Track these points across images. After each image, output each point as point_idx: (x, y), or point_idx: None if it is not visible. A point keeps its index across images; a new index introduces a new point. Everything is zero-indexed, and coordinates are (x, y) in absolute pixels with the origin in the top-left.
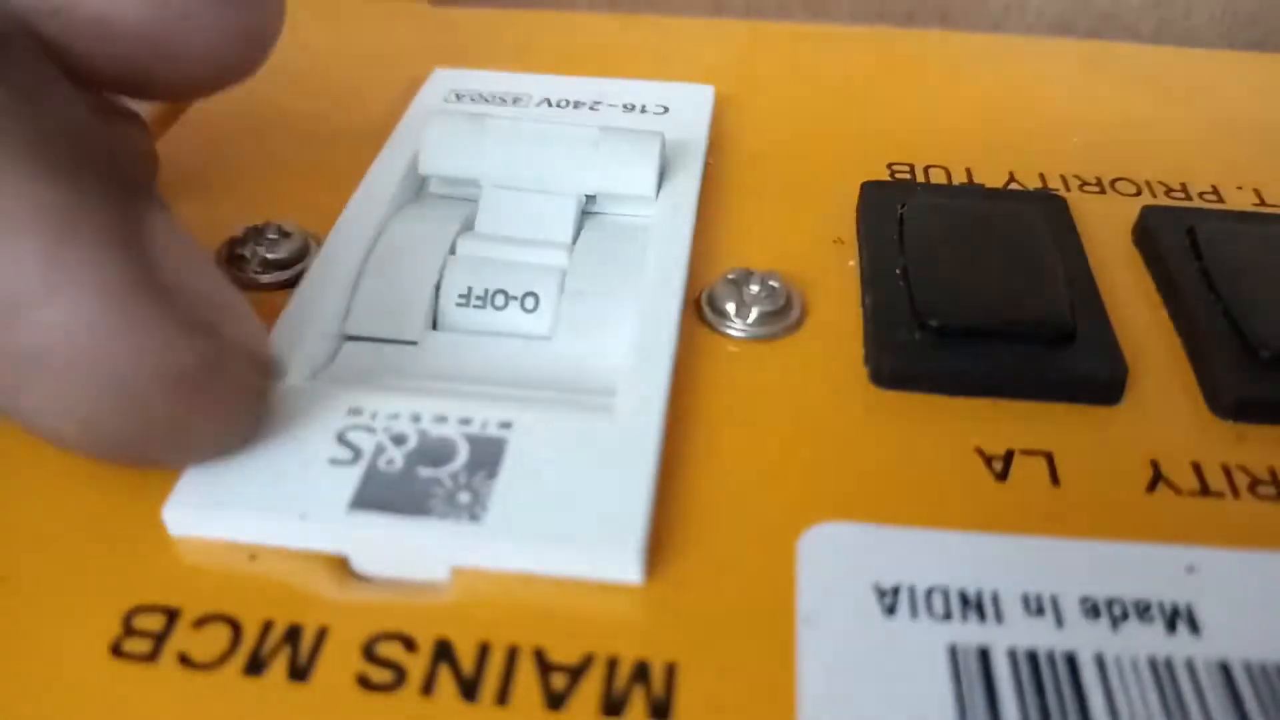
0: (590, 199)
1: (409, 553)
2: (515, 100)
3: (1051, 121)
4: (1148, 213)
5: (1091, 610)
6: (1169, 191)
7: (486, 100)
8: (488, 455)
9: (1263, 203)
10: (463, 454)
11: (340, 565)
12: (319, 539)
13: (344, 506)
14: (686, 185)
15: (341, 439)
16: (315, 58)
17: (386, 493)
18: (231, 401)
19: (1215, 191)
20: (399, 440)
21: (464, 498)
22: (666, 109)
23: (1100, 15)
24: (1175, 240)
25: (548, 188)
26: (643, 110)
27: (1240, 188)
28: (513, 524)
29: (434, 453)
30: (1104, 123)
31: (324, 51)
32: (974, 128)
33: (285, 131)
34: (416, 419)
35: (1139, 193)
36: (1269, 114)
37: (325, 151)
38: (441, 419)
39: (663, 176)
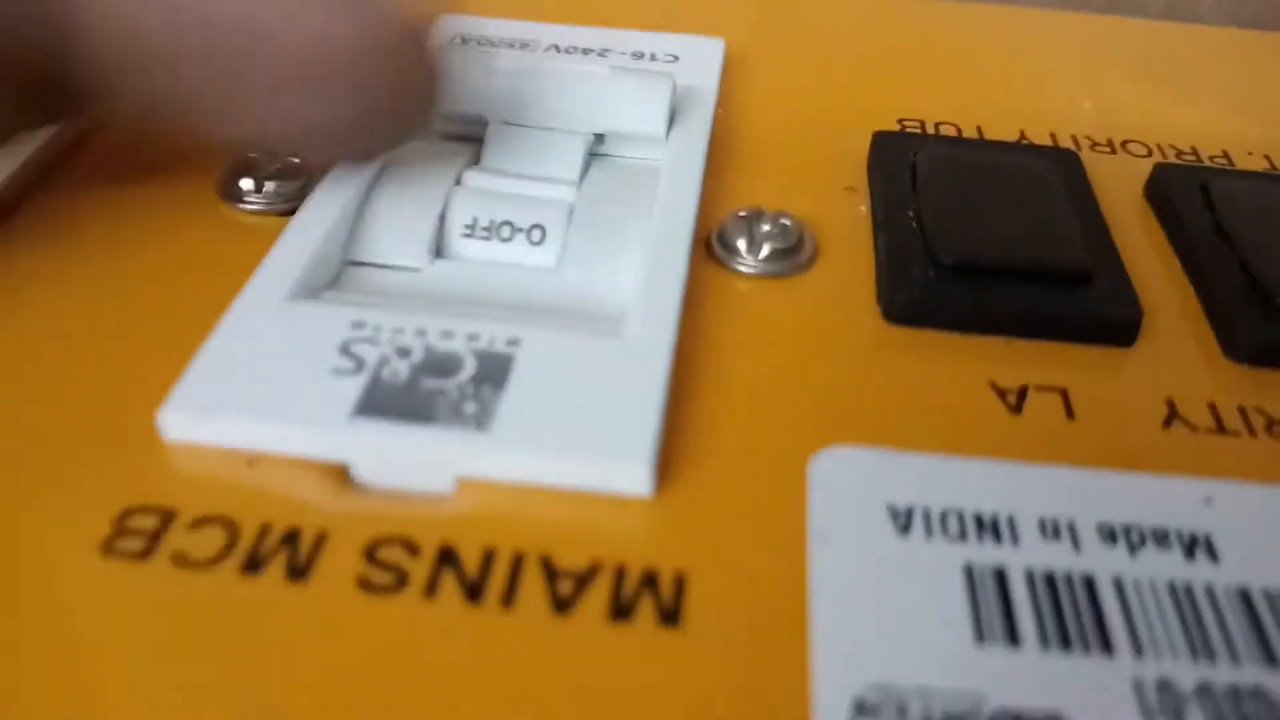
0: (599, 140)
1: (413, 461)
2: (523, 46)
3: (1062, 86)
4: (1160, 169)
5: (1109, 535)
6: (1179, 154)
7: (494, 45)
8: (495, 369)
9: (1273, 167)
10: (469, 367)
11: (341, 473)
12: (320, 446)
13: (346, 414)
14: (697, 129)
15: (345, 350)
16: None
17: (390, 401)
18: (423, 74)
19: (1226, 156)
20: (404, 352)
21: (470, 408)
22: (676, 58)
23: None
24: (1189, 195)
25: (556, 125)
26: (652, 58)
27: (1250, 153)
28: (520, 433)
29: (440, 365)
30: (1116, 91)
31: None
32: (985, 90)
33: None
34: (422, 333)
35: (1150, 154)
36: (1277, 91)
37: None
38: (448, 334)
39: (673, 121)
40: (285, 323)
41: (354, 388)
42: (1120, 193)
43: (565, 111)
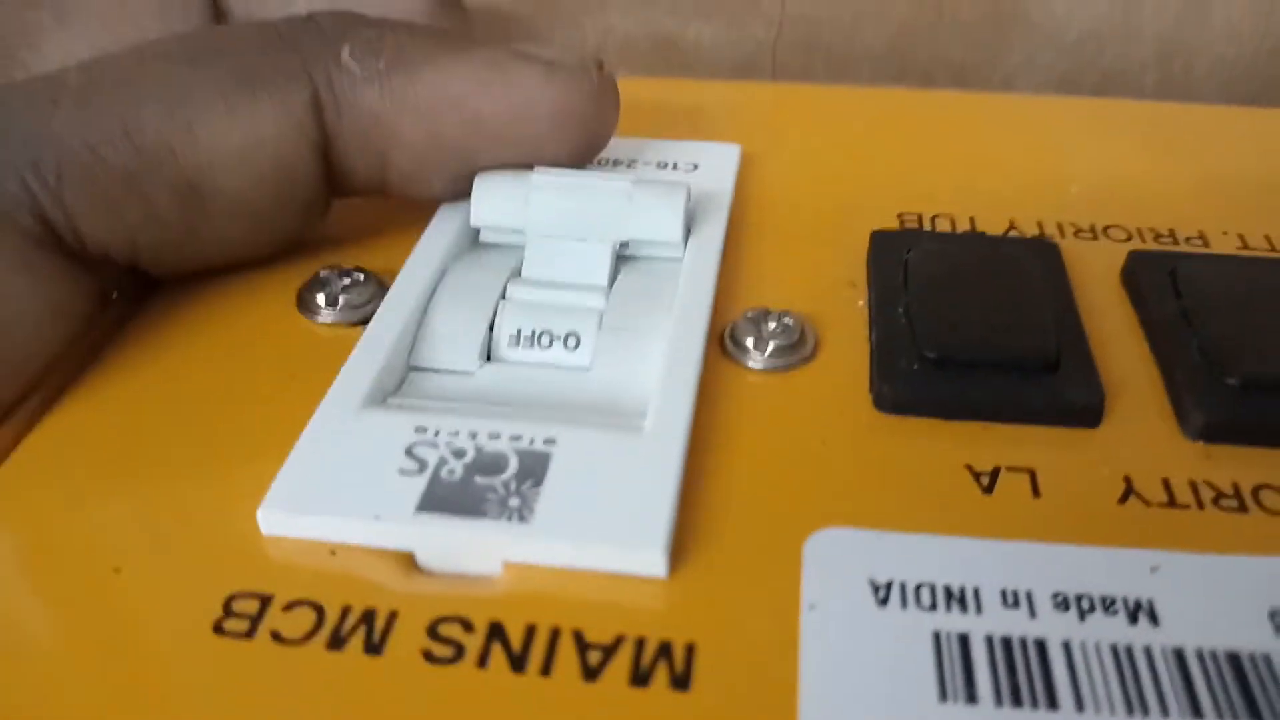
0: (625, 244)
1: (467, 549)
2: None
3: (1052, 174)
4: (1134, 256)
5: (1062, 604)
6: (1158, 237)
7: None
8: (535, 467)
9: (1245, 246)
10: (513, 465)
11: (408, 560)
12: (389, 538)
13: (411, 509)
14: (713, 233)
15: (409, 453)
16: None
17: (448, 498)
18: (612, 90)
19: (1201, 237)
20: (458, 454)
21: (514, 502)
22: (696, 166)
23: (1105, 72)
24: (1158, 280)
25: (586, 236)
26: (675, 168)
27: (1225, 233)
28: (555, 524)
29: (489, 464)
30: (1101, 175)
31: None
32: (979, 180)
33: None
34: (473, 436)
35: (1129, 238)
36: (1257, 167)
37: (388, 207)
38: (495, 436)
39: (691, 224)
40: (359, 429)
41: (417, 486)
42: (1098, 279)
43: (593, 223)
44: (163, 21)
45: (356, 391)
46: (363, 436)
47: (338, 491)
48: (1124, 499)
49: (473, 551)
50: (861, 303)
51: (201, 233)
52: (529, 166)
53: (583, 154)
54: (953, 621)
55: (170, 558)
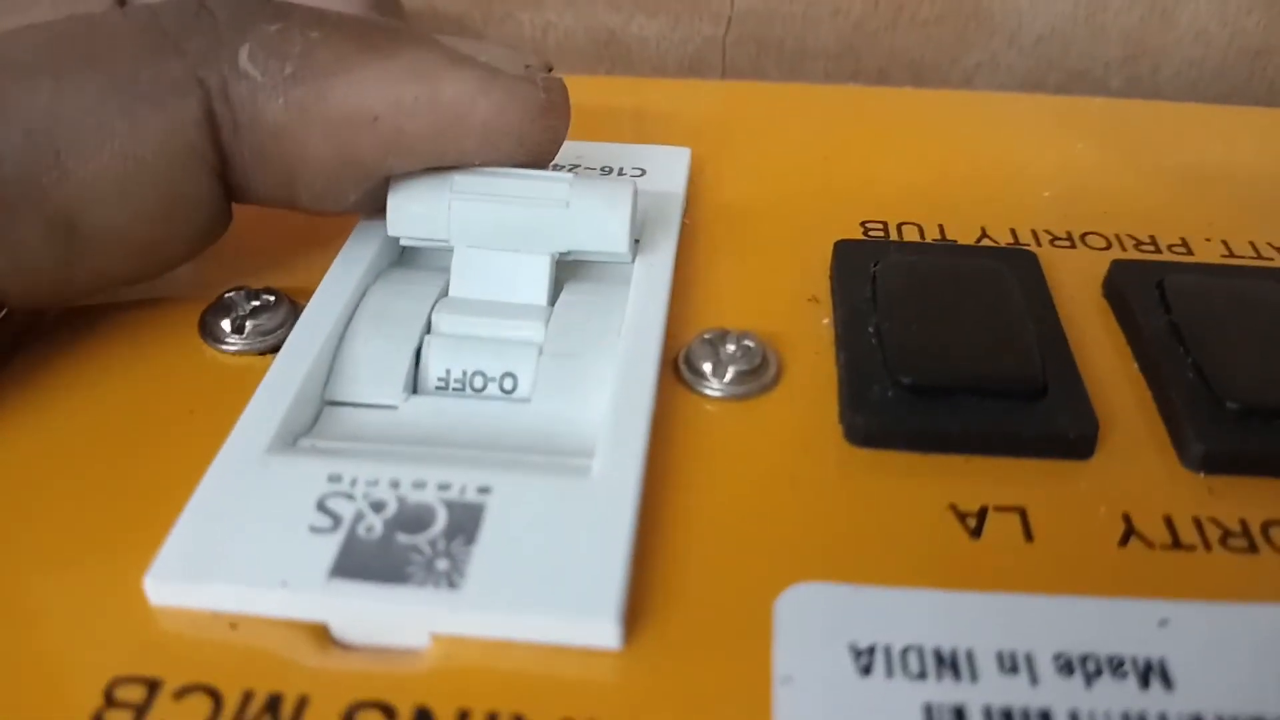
0: (565, 254)
1: (388, 620)
2: None
3: (1023, 177)
4: (1116, 266)
5: (1065, 667)
6: (1138, 244)
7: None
8: (466, 521)
9: (1230, 254)
10: (441, 520)
11: (321, 633)
12: (299, 608)
13: (324, 575)
14: (663, 245)
15: (322, 507)
16: None
17: (366, 560)
18: (561, 101)
19: (1184, 244)
20: (378, 507)
21: (442, 564)
22: (644, 171)
23: (1070, 72)
24: (1144, 293)
25: (519, 247)
26: (620, 172)
27: (1209, 240)
28: (491, 591)
29: (413, 519)
30: (1074, 178)
31: None
32: (946, 184)
33: None
34: (395, 485)
35: (1109, 246)
36: (1235, 167)
37: (305, 218)
38: (420, 484)
39: (639, 233)
40: (264, 479)
41: (330, 547)
42: (1078, 291)
43: (527, 232)
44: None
45: (263, 433)
46: (268, 488)
47: (238, 554)
48: (1124, 541)
49: (395, 623)
50: (826, 320)
51: (80, 269)
52: None
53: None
54: (946, 691)
55: (43, 636)
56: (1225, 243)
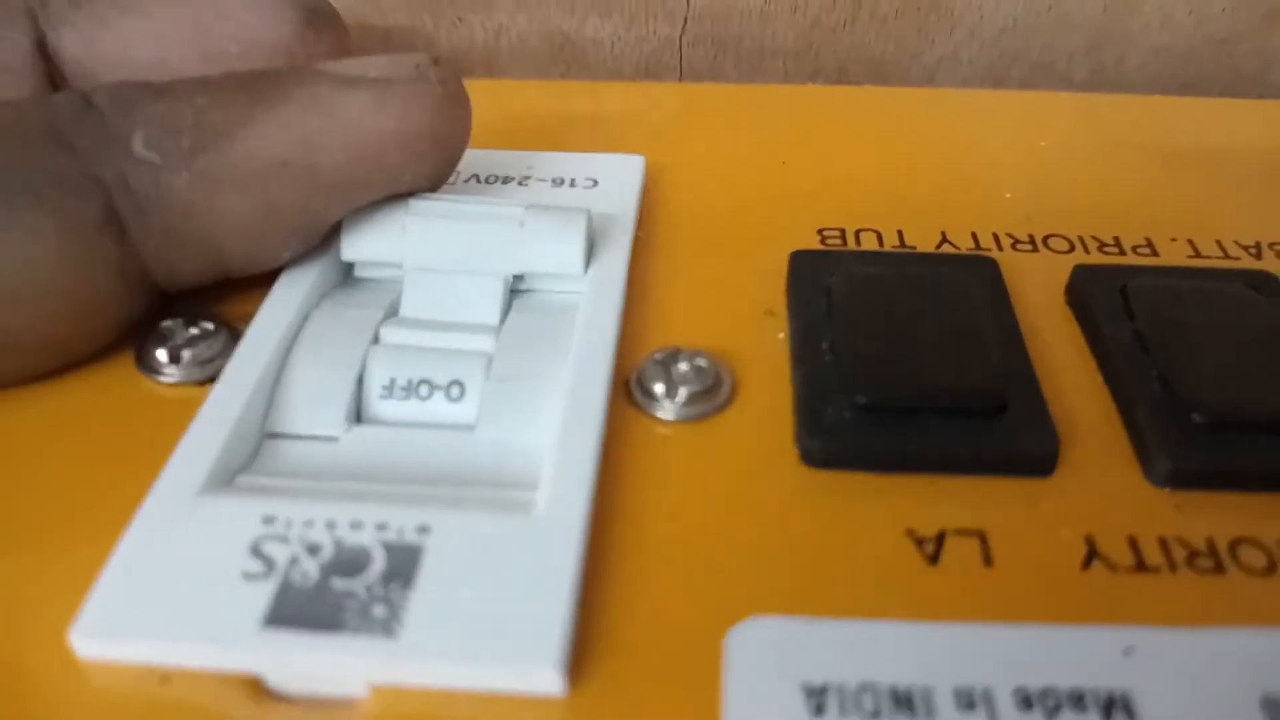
0: (519, 278)
1: (324, 671)
2: None
3: (985, 177)
4: (1079, 272)
5: (1024, 702)
6: (1102, 246)
7: None
8: (404, 564)
9: (1197, 254)
10: (379, 563)
11: (255, 685)
12: (232, 660)
13: (257, 625)
14: (615, 262)
15: (255, 551)
16: None
17: (300, 608)
18: (457, 90)
19: (1149, 245)
20: (313, 550)
21: (379, 611)
22: (596, 182)
23: (1033, 65)
24: (1107, 299)
25: (473, 269)
26: (572, 184)
27: (1174, 240)
28: (430, 639)
29: (349, 562)
30: (1037, 176)
31: None
32: (906, 187)
33: None
34: (332, 526)
35: (1071, 249)
36: (1202, 161)
37: None
38: (358, 525)
39: (591, 252)
40: (196, 522)
41: (264, 594)
42: (1041, 297)
43: (481, 254)
44: None
45: (196, 471)
46: (200, 531)
47: (169, 605)
48: (1087, 564)
49: (332, 673)
50: (782, 335)
51: None
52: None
53: (444, 171)
54: None
55: None
56: (1191, 242)
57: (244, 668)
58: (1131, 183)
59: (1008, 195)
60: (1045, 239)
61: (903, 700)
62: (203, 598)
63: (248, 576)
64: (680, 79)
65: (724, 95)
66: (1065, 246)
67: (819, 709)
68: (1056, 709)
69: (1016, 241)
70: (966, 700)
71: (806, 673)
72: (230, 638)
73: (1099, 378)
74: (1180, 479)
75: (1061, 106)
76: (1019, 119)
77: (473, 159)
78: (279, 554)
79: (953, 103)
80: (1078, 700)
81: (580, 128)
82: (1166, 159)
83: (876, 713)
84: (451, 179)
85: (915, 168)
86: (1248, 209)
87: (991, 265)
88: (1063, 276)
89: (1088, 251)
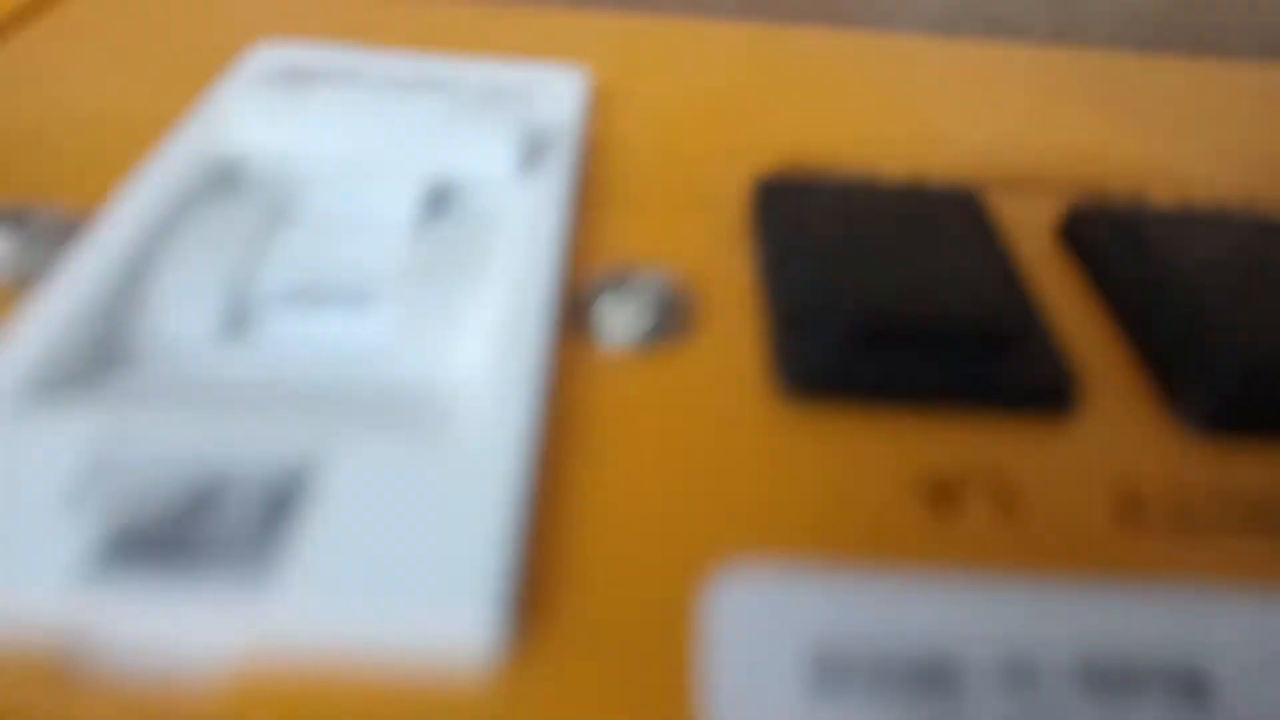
0: (440, 192)
1: (174, 630)
2: (354, 79)
3: (952, 123)
4: (1079, 211)
5: (1085, 680)
6: (1085, 189)
7: (318, 78)
8: (285, 494)
9: (1185, 199)
10: (250, 494)
11: (80, 651)
12: (48, 617)
13: (84, 570)
14: (556, 173)
15: (84, 479)
16: (126, 26)
17: (144, 548)
18: None
19: (1136, 194)
20: (164, 477)
21: (248, 553)
22: (534, 94)
23: (992, 20)
24: (1117, 237)
25: (386, 171)
26: (504, 93)
27: (1160, 179)
28: (316, 587)
29: (211, 493)
30: (1008, 124)
31: (139, 19)
32: (870, 129)
33: (65, 109)
34: (192, 446)
35: (1054, 194)
36: (1172, 118)
37: (110, 135)
38: (227, 445)
39: (528, 165)
40: (9, 441)
41: (94, 532)
42: (1028, 235)
43: (396, 152)
44: None
45: (12, 376)
46: (14, 453)
47: None
48: (1125, 512)
49: (183, 634)
50: (746, 263)
51: None
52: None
53: None
54: (932, 715)
55: None
56: (1179, 191)
57: (66, 627)
58: (1104, 134)
59: (976, 138)
60: (1023, 182)
61: (933, 679)
62: (13, 536)
63: (74, 508)
64: (620, 8)
65: (670, 28)
66: (1044, 190)
67: (821, 684)
68: (1128, 686)
69: (993, 181)
70: (1012, 675)
71: (801, 637)
72: (46, 586)
73: (1105, 318)
74: (1220, 421)
75: (1025, 59)
76: (983, 69)
77: (390, 65)
78: (118, 482)
79: (912, 50)
80: (1147, 680)
81: (511, 53)
82: (1140, 115)
83: (902, 692)
84: (361, 82)
85: (879, 111)
86: (1237, 168)
87: (975, 199)
88: (1047, 218)
89: (1069, 195)
